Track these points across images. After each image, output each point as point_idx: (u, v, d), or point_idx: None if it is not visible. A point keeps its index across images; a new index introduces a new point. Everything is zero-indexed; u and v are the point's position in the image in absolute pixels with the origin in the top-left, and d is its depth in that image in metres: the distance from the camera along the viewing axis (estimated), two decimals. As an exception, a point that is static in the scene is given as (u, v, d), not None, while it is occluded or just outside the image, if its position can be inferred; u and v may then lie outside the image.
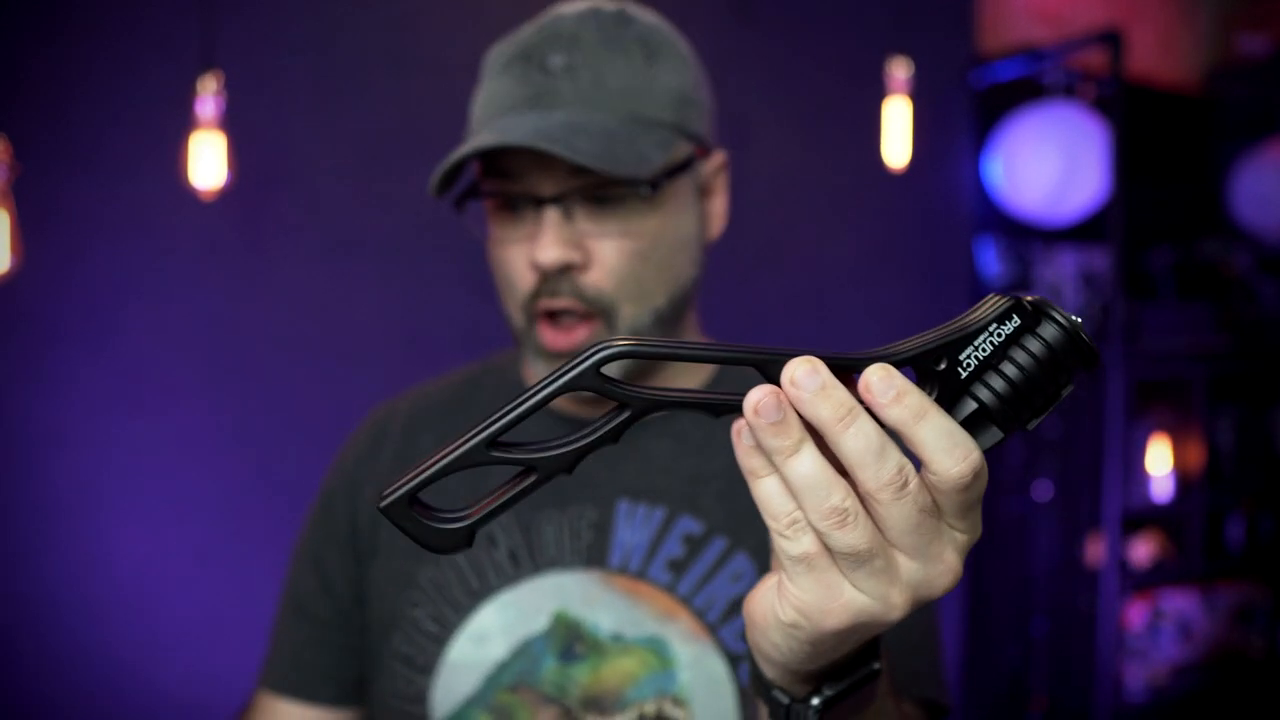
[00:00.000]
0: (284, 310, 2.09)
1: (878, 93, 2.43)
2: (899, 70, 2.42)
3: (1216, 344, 3.27)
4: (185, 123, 1.84)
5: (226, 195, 1.89)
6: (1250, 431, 3.41)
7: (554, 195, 0.82)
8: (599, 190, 0.82)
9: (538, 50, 0.85)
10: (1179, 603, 3.27)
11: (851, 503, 0.45)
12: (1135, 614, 3.16)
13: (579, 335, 0.85)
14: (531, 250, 0.82)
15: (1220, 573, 3.35)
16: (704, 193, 0.92)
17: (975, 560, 3.06)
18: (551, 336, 0.85)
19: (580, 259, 0.83)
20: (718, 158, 0.93)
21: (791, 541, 0.46)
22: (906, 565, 0.47)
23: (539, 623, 0.87)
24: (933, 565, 0.47)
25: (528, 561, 0.89)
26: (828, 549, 0.46)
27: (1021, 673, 3.08)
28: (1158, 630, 3.21)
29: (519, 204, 0.85)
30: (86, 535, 1.97)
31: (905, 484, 0.44)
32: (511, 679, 0.86)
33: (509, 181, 0.84)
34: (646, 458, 0.91)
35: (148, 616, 1.99)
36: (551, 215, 0.82)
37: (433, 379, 1.05)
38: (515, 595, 0.88)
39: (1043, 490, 3.03)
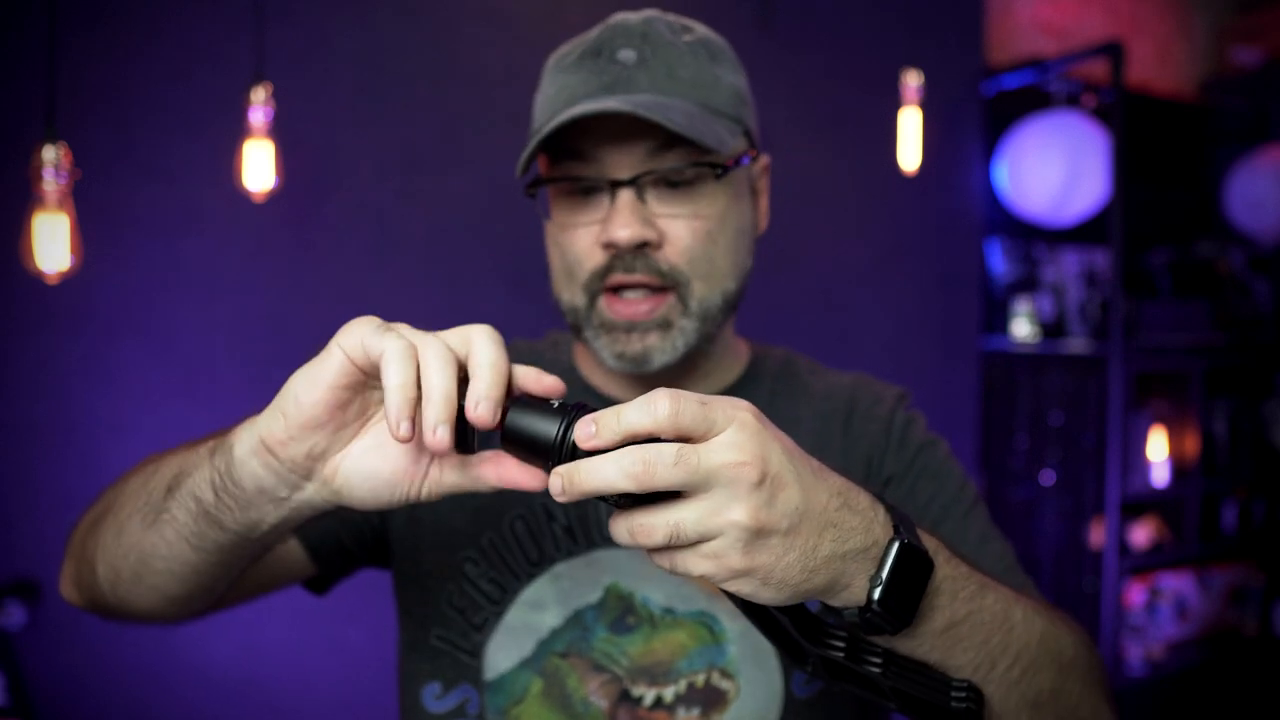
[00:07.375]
0: (330, 306, 2.00)
1: (892, 102, 2.33)
2: (912, 80, 2.32)
3: (1212, 339, 3.14)
4: (237, 130, 1.77)
5: (276, 198, 1.84)
6: (1243, 422, 3.30)
7: (630, 178, 0.77)
8: (672, 175, 0.78)
9: (607, 45, 0.80)
10: (1176, 583, 3.16)
11: None
12: (1135, 594, 3.02)
13: (647, 306, 0.79)
14: (605, 230, 0.78)
15: (1215, 555, 3.22)
16: (753, 190, 0.89)
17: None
18: (619, 306, 0.80)
19: (654, 237, 0.78)
20: (763, 159, 0.90)
21: None
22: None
23: (592, 594, 0.84)
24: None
25: (583, 538, 0.86)
26: None
27: (1028, 649, 2.88)
28: (1156, 609, 3.08)
29: (590, 189, 0.80)
30: (144, 519, 1.82)
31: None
32: (563, 646, 0.84)
33: (584, 164, 0.79)
34: None
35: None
36: (627, 195, 0.77)
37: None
38: (570, 567, 0.85)
39: (1048, 477, 2.85)
